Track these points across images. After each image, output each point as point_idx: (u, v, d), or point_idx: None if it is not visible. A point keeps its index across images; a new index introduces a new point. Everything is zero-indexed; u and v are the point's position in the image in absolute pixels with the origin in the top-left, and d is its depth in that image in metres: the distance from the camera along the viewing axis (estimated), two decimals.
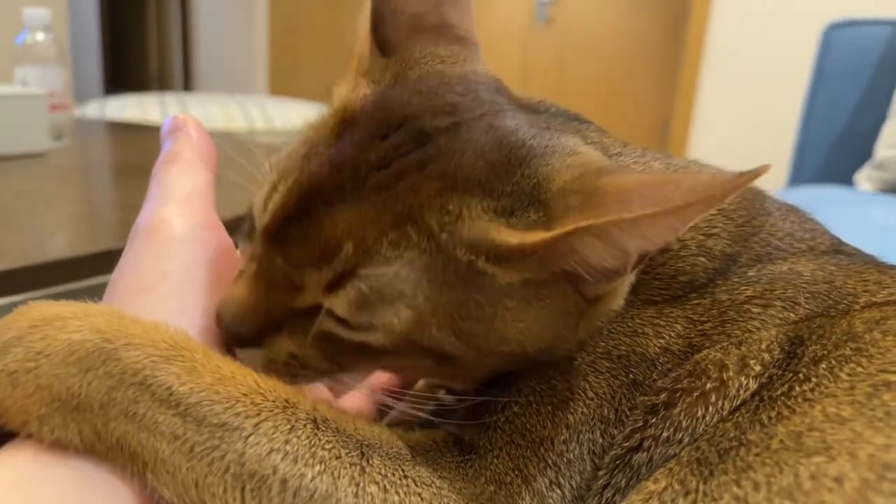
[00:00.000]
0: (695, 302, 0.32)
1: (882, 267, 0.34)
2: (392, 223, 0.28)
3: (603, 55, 3.98)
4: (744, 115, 3.18)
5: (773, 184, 1.93)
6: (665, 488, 0.26)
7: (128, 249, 0.33)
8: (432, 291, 0.28)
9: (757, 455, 0.25)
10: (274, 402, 0.27)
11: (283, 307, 0.30)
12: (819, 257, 0.34)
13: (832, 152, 1.62)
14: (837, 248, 0.35)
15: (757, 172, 0.24)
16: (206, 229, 0.33)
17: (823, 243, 0.35)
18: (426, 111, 0.31)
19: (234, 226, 0.37)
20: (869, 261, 0.35)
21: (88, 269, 0.67)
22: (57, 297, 0.60)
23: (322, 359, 0.31)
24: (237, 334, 0.30)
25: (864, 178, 1.45)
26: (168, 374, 0.26)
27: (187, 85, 4.84)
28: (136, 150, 1.33)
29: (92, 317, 0.28)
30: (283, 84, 4.30)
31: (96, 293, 0.67)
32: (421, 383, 0.38)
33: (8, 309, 0.59)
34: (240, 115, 1.96)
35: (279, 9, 4.25)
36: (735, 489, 0.24)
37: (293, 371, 0.31)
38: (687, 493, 0.26)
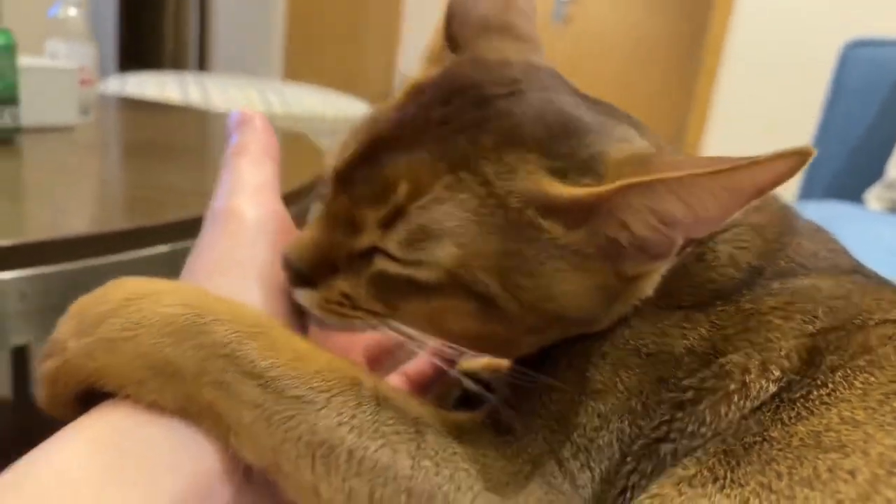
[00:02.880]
0: (720, 309, 0.34)
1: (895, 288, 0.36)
2: (447, 168, 0.31)
3: (619, 57, 3.99)
4: (758, 127, 3.19)
5: (785, 196, 1.95)
6: (695, 475, 0.29)
7: (203, 234, 0.36)
8: (480, 233, 0.31)
9: (779, 450, 0.28)
10: (343, 379, 0.30)
11: (342, 248, 0.33)
12: (839, 276, 0.36)
13: (844, 169, 1.63)
14: (856, 269, 0.37)
15: (804, 153, 0.26)
16: (274, 219, 0.36)
17: (844, 264, 0.37)
18: (489, 81, 0.34)
19: None
20: (884, 282, 0.37)
21: (109, 246, 0.68)
22: (76, 272, 0.62)
23: (373, 299, 0.33)
24: (298, 273, 0.33)
25: (874, 198, 1.47)
26: (252, 349, 0.29)
27: (202, 65, 4.84)
28: (158, 128, 1.35)
29: (182, 293, 0.31)
30: (298, 69, 4.32)
31: (117, 270, 0.69)
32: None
33: (29, 282, 0.61)
34: (258, 100, 1.98)
35: None
36: (760, 477, 0.27)
37: (345, 311, 0.33)
38: (716, 480, 0.28)
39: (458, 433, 0.31)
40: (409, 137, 0.32)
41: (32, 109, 1.02)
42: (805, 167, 0.27)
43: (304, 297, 0.34)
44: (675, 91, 3.75)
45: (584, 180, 0.31)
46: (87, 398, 0.30)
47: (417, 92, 0.34)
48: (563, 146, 0.32)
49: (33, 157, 0.96)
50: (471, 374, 0.43)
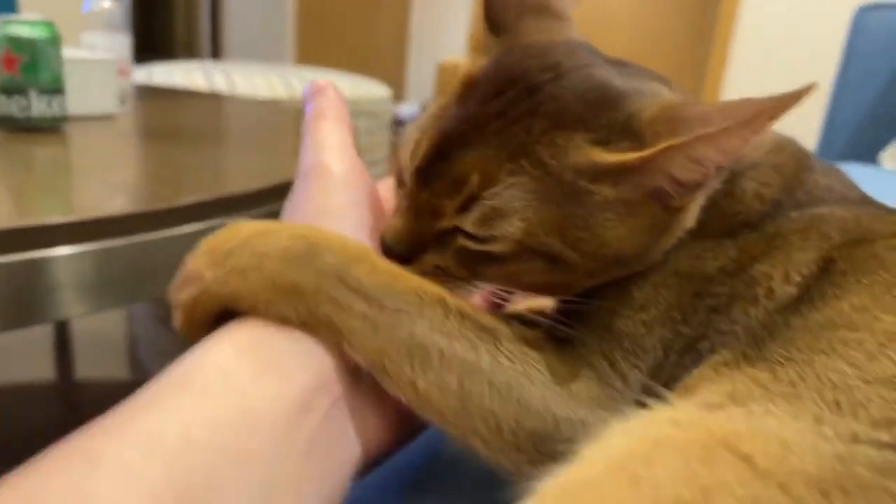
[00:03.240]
0: (746, 235, 0.39)
1: None
2: (508, 157, 0.36)
3: (628, 38, 3.98)
4: (775, 92, 3.19)
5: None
6: (728, 359, 0.34)
7: (296, 188, 0.41)
8: (541, 207, 0.36)
9: (799, 333, 0.33)
10: (432, 296, 0.35)
11: (428, 231, 0.39)
12: (851, 205, 0.40)
13: (859, 132, 1.66)
14: (866, 201, 0.42)
15: (805, 91, 0.31)
16: (357, 172, 0.42)
17: (855, 196, 0.42)
18: (534, 69, 0.38)
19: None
20: (892, 210, 0.42)
21: (155, 223, 0.72)
22: (120, 249, 0.67)
23: (459, 268, 0.39)
24: (397, 254, 0.39)
25: (889, 157, 1.50)
26: (358, 271, 0.35)
27: (215, 53, 4.88)
28: (189, 114, 1.40)
29: (297, 228, 0.36)
30: (311, 53, 4.34)
31: (160, 246, 0.73)
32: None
33: (81, 258, 0.65)
34: (280, 85, 2.02)
35: None
36: (783, 352, 0.32)
37: (439, 279, 0.38)
38: (746, 358, 0.33)
39: (527, 341, 0.37)
40: (472, 133, 0.37)
41: (77, 99, 1.06)
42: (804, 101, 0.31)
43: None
44: (688, 64, 3.75)
45: (624, 143, 0.36)
46: (219, 322, 0.35)
47: (472, 85, 0.39)
48: (602, 118, 0.36)
49: (79, 143, 1.01)
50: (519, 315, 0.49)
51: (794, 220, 0.39)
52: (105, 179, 0.86)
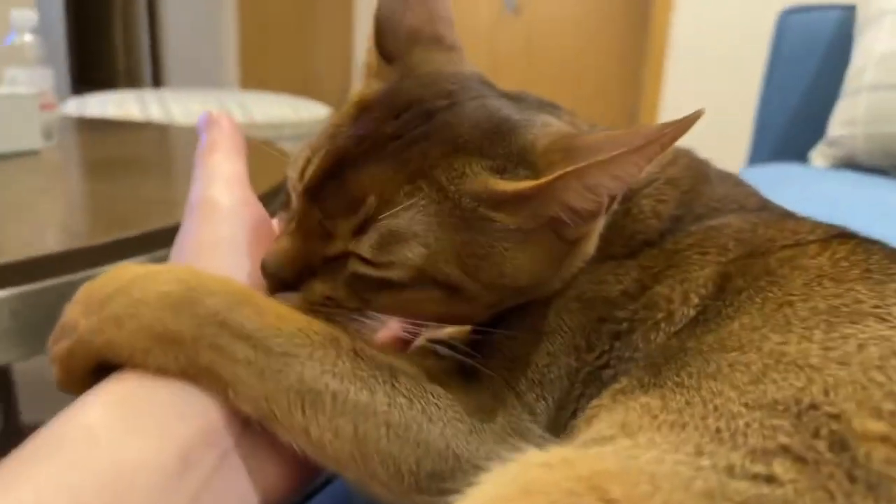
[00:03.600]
0: (647, 253, 0.39)
1: (797, 218, 0.42)
2: (407, 179, 0.35)
3: (571, 44, 4.05)
4: (709, 98, 3.27)
5: (736, 161, 2.02)
6: (626, 386, 0.34)
7: (185, 222, 0.40)
8: (441, 232, 0.35)
9: (692, 356, 0.33)
10: (323, 336, 0.34)
11: (318, 255, 0.37)
12: (747, 213, 0.41)
13: (789, 132, 1.70)
14: (763, 207, 0.43)
15: (693, 118, 0.31)
16: (246, 205, 0.41)
17: (751, 203, 0.43)
18: (429, 96, 0.38)
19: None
20: (788, 215, 0.42)
21: (88, 260, 0.70)
22: (56, 288, 0.65)
23: (351, 297, 0.37)
24: (280, 280, 0.37)
25: (819, 155, 1.54)
26: (240, 315, 0.33)
27: (156, 80, 4.81)
28: (122, 145, 1.37)
29: (176, 272, 0.35)
30: (253, 77, 4.31)
31: None
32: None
33: (17, 300, 0.63)
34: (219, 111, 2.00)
35: (248, 1, 4.25)
36: (675, 378, 0.32)
37: (327, 310, 0.37)
38: (642, 386, 0.33)
39: (428, 376, 0.36)
40: (368, 152, 0.36)
41: None
42: (693, 126, 0.31)
43: (288, 299, 0.37)
44: (627, 73, 3.83)
45: (520, 172, 0.36)
46: (98, 374, 0.33)
47: (367, 108, 0.38)
48: (498, 146, 0.36)
49: (2, 182, 0.98)
50: (434, 339, 0.49)
51: (692, 233, 0.39)
52: (31, 218, 0.83)
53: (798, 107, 1.67)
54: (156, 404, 0.31)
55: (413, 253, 0.35)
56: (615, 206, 0.37)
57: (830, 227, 0.40)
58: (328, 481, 0.46)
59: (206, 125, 0.45)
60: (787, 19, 1.73)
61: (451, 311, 0.38)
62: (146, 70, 4.86)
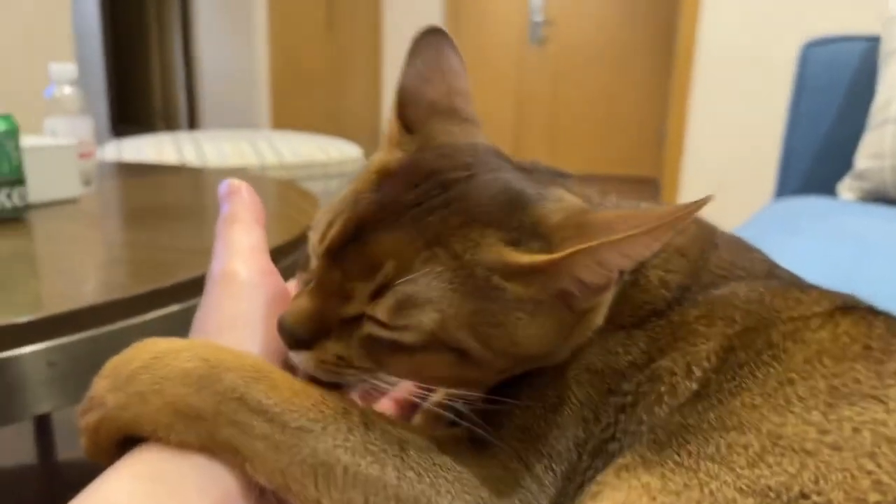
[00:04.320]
0: (654, 324, 0.40)
1: (803, 287, 0.42)
2: (424, 246, 0.36)
3: (596, 73, 4.08)
4: (734, 127, 3.27)
5: (763, 193, 2.01)
6: (630, 462, 0.34)
7: (206, 295, 0.42)
8: (455, 299, 0.36)
9: (693, 434, 0.34)
10: (335, 409, 0.36)
11: (334, 315, 0.38)
12: (754, 281, 0.42)
13: (816, 163, 1.69)
14: (771, 273, 0.43)
15: (703, 202, 0.32)
16: (266, 276, 0.42)
17: (759, 269, 0.43)
18: (447, 167, 0.39)
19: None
20: (794, 283, 0.43)
21: (124, 311, 0.72)
22: (93, 339, 0.67)
23: (364, 358, 0.38)
24: (295, 338, 0.38)
25: (846, 188, 1.53)
26: (257, 391, 0.35)
27: (192, 120, 4.94)
28: (158, 191, 1.42)
29: (197, 349, 0.37)
30: (285, 117, 4.40)
31: (133, 333, 0.73)
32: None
33: (54, 352, 0.65)
34: (251, 152, 2.05)
35: (279, 43, 4.36)
36: (675, 457, 0.33)
37: (339, 370, 0.38)
38: (644, 463, 0.34)
39: (438, 447, 0.37)
40: (388, 218, 0.37)
41: (38, 187, 1.08)
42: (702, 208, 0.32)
43: (300, 358, 0.39)
44: (652, 101, 3.84)
45: (533, 245, 0.37)
46: (124, 444, 0.35)
47: (388, 176, 0.40)
48: (512, 219, 0.38)
49: (43, 232, 1.02)
50: (442, 405, 0.50)
51: (699, 304, 0.40)
52: (69, 269, 0.86)
53: (825, 138, 1.67)
54: (177, 478, 0.33)
55: (427, 318, 0.36)
56: (625, 277, 0.39)
57: (836, 296, 0.40)
58: None
59: (227, 195, 0.46)
60: (810, 51, 1.73)
61: (461, 375, 0.39)
62: (182, 111, 4.99)
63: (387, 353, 0.38)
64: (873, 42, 1.62)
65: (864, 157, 1.47)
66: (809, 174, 1.69)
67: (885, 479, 0.28)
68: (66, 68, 1.29)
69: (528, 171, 0.42)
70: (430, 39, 0.45)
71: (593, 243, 0.34)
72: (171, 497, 0.32)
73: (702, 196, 0.33)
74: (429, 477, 0.35)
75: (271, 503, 0.35)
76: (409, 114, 0.44)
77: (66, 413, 1.81)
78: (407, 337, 0.37)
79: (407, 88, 0.44)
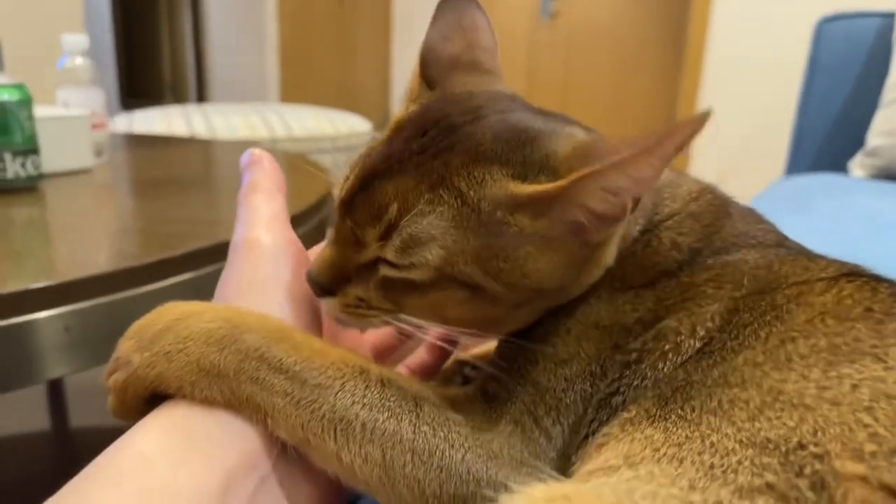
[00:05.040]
0: (664, 285, 0.41)
1: (811, 256, 0.42)
2: (428, 188, 0.38)
3: (608, 49, 4.04)
4: (747, 105, 3.24)
5: (775, 170, 2.00)
6: (634, 416, 0.36)
7: (229, 262, 0.43)
8: (460, 235, 0.37)
9: (697, 390, 0.34)
10: (353, 368, 0.37)
11: (352, 262, 0.40)
12: (765, 249, 0.42)
13: (827, 141, 1.68)
14: (780, 244, 0.44)
15: (704, 116, 0.32)
16: (287, 243, 0.43)
17: (770, 239, 0.44)
18: (456, 112, 0.40)
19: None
20: (802, 252, 0.43)
21: (137, 279, 0.73)
22: (108, 305, 0.68)
23: (383, 300, 0.40)
24: (320, 286, 0.40)
25: (857, 166, 1.52)
26: (278, 350, 0.36)
27: (201, 94, 4.93)
28: (168, 162, 1.42)
29: (219, 311, 0.38)
30: (294, 91, 4.39)
31: (145, 301, 0.74)
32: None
33: (62, 319, 0.66)
34: (260, 124, 2.05)
35: (289, 17, 4.34)
36: (679, 411, 0.34)
37: (363, 312, 0.40)
38: (649, 417, 0.35)
39: (452, 404, 0.38)
40: (395, 167, 0.39)
41: (51, 157, 1.09)
42: (705, 127, 0.32)
43: (327, 304, 0.41)
44: (664, 79, 3.81)
45: (542, 178, 0.37)
46: (150, 402, 0.37)
47: (399, 128, 0.41)
48: (518, 154, 0.38)
49: (56, 201, 1.03)
50: (464, 361, 0.51)
51: (709, 267, 0.41)
52: (83, 237, 0.88)
53: (837, 116, 1.66)
54: (202, 433, 0.34)
55: (432, 254, 0.37)
56: (636, 229, 0.40)
57: (843, 265, 0.41)
58: (357, 499, 0.48)
59: (249, 164, 0.47)
60: (825, 27, 1.71)
61: (477, 312, 0.40)
62: (192, 84, 4.98)
63: (402, 293, 0.39)
64: (889, 18, 1.61)
65: (877, 135, 1.47)
66: (821, 152, 1.69)
67: (881, 431, 0.28)
68: (78, 39, 1.29)
69: (544, 113, 0.43)
70: (452, 3, 0.46)
71: (596, 167, 0.34)
72: (196, 449, 0.33)
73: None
74: (443, 431, 0.36)
75: (292, 458, 0.36)
76: (431, 72, 0.45)
77: (79, 381, 1.84)
78: (416, 274, 0.38)
79: (428, 48, 0.45)
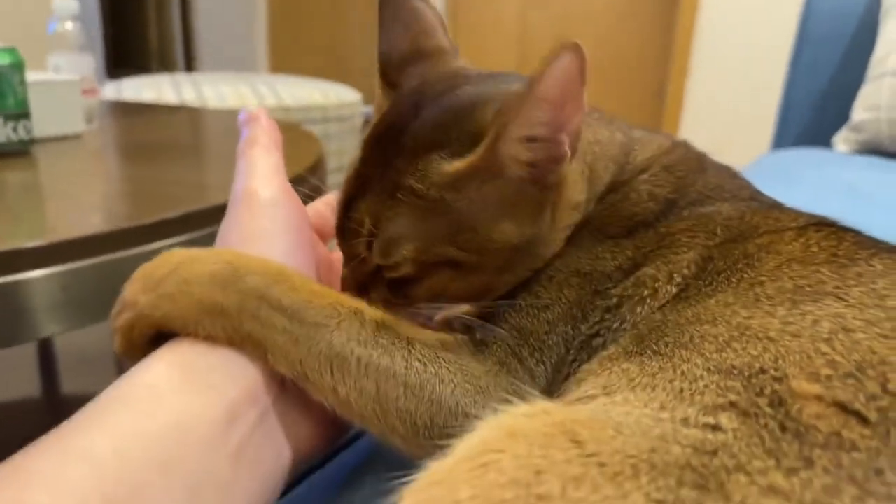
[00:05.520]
0: (642, 234, 0.43)
1: (784, 209, 0.45)
2: (388, 196, 0.42)
3: (599, 28, 4.02)
4: (735, 80, 3.25)
5: (761, 145, 2.02)
6: (612, 353, 0.38)
7: (228, 212, 0.45)
8: (422, 226, 0.41)
9: (670, 328, 0.37)
10: (349, 309, 0.39)
11: (362, 274, 0.45)
12: (738, 202, 0.45)
13: (814, 116, 1.70)
14: (754, 197, 0.46)
15: (574, 49, 0.35)
16: (284, 195, 0.45)
17: (744, 194, 0.46)
18: (402, 114, 0.44)
19: None
20: (775, 205, 0.46)
21: (129, 240, 0.74)
22: (101, 265, 0.69)
23: (396, 297, 0.44)
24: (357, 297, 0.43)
25: (842, 140, 1.54)
26: (278, 290, 0.38)
27: (188, 63, 4.87)
28: (158, 128, 1.42)
29: (221, 254, 0.40)
30: (283, 61, 4.35)
31: (137, 263, 0.75)
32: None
33: (56, 279, 0.67)
34: (250, 94, 2.05)
35: None
36: (653, 346, 0.36)
37: (392, 310, 0.43)
38: (626, 354, 0.37)
39: (442, 345, 0.41)
40: (365, 185, 0.43)
41: (42, 122, 1.09)
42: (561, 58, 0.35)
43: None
44: (655, 51, 3.81)
45: (475, 149, 0.40)
46: (155, 342, 0.38)
47: (368, 145, 0.45)
48: (453, 133, 0.42)
49: (48, 165, 1.03)
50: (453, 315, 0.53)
51: (684, 218, 0.43)
52: (76, 199, 0.88)
53: (824, 91, 1.67)
54: (207, 367, 0.36)
55: (407, 250, 0.41)
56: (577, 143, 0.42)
57: (812, 216, 0.43)
58: (356, 438, 0.50)
59: (246, 121, 0.49)
60: (814, 2, 1.72)
61: (469, 284, 0.43)
62: (179, 54, 4.93)
63: (407, 288, 0.44)
64: None
65: (861, 109, 1.48)
66: (807, 127, 1.71)
67: (838, 358, 0.30)
68: (68, 3, 1.29)
69: (494, 77, 0.46)
70: (386, 2, 0.49)
71: (497, 128, 0.38)
72: (201, 383, 0.35)
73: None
74: (433, 367, 0.39)
75: (291, 394, 0.39)
76: (390, 77, 0.48)
77: (70, 347, 1.85)
78: (404, 270, 0.42)
79: (381, 53, 0.49)
